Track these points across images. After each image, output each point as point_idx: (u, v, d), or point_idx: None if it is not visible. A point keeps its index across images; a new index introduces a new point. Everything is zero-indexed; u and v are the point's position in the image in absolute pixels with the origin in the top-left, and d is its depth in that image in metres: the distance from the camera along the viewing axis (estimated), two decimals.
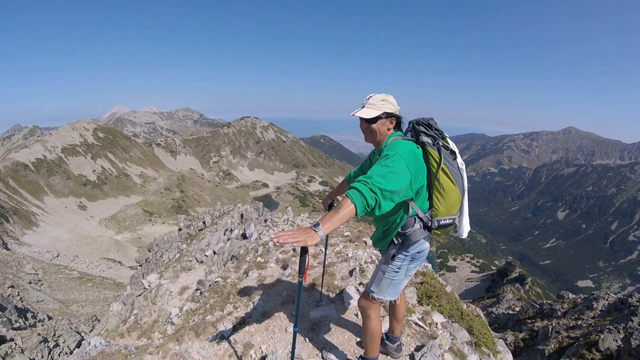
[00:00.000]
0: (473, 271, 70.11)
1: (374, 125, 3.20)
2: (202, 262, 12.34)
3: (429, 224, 3.14)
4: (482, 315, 7.85)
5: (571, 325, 12.86)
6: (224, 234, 13.77)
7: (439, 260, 78.30)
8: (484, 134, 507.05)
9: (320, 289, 5.71)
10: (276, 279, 6.51)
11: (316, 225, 2.41)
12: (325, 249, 5.29)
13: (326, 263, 6.67)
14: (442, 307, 5.67)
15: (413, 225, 3.11)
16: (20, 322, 21.13)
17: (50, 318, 25.06)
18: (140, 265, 19.64)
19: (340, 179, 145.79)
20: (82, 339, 17.94)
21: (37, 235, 58.31)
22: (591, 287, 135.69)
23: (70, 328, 18.79)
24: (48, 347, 16.00)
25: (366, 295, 3.54)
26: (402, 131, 3.30)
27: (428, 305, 5.58)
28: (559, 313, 15.47)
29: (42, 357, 15.27)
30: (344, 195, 2.61)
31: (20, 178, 75.21)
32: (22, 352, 15.12)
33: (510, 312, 23.42)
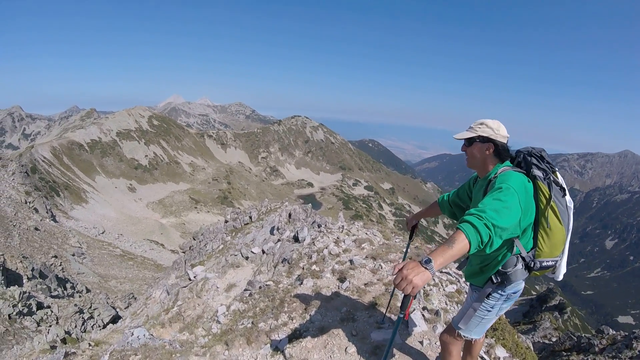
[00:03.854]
0: None
1: (469, 149, 3.09)
2: (247, 257, 12.24)
3: (531, 265, 2.91)
4: (531, 347, 7.42)
5: None
6: (272, 233, 13.65)
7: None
8: None
9: (381, 309, 5.43)
10: (333, 292, 6.22)
11: (427, 261, 2.17)
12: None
13: (387, 281, 6.35)
14: (506, 340, 5.48)
15: (515, 265, 2.90)
16: (59, 291, 21.87)
17: (88, 290, 25.90)
18: (184, 252, 19.87)
19: (386, 185, 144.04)
20: (117, 314, 18.37)
21: (85, 211, 60.43)
22: (631, 324, 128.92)
23: (107, 303, 19.26)
24: (83, 318, 16.45)
25: (451, 331, 3.38)
26: (509, 161, 3.05)
27: (492, 337, 5.35)
28: (597, 349, 14.75)
29: (76, 327, 15.66)
30: (455, 228, 2.40)
31: (75, 156, 78.21)
32: (57, 321, 15.54)
33: (546, 341, 22.49)
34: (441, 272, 6.91)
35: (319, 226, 10.25)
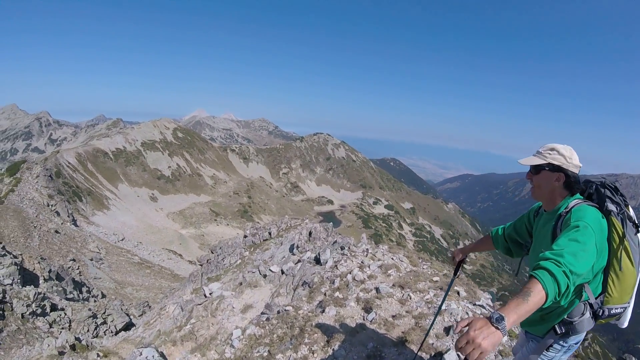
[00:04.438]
0: None
1: (535, 177, 2.65)
2: (265, 276, 11.83)
3: (599, 312, 2.49)
4: None
5: None
6: (292, 251, 13.24)
7: (498, 303, 74.98)
8: None
9: (411, 347, 4.92)
10: (358, 324, 5.73)
11: (499, 319, 1.74)
12: (439, 308, 4.41)
13: (417, 313, 5.84)
14: None
15: (583, 314, 2.46)
16: (74, 294, 21.87)
17: (104, 296, 25.92)
18: (201, 265, 19.59)
19: (406, 205, 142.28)
20: (130, 321, 18.16)
21: (107, 218, 60.92)
22: None
23: (121, 309, 19.12)
24: (95, 322, 16.29)
25: None
26: (580, 194, 2.63)
27: None
28: None
29: (88, 331, 15.46)
30: (529, 274, 2.01)
31: (99, 164, 79.39)
32: (70, 323, 15.36)
33: None
34: (474, 304, 6.34)
35: (342, 248, 9.76)
